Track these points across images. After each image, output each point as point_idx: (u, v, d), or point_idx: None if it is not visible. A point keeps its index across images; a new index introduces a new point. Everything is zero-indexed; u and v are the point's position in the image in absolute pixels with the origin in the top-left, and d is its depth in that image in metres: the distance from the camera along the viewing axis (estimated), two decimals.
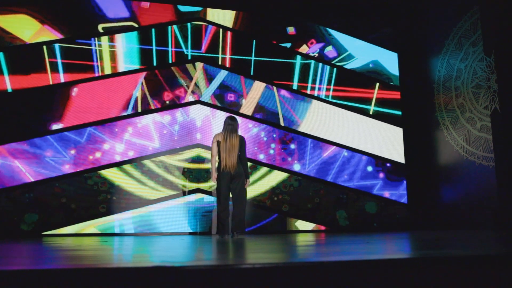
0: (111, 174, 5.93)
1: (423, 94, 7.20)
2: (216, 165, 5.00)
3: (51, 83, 5.92)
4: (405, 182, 6.98)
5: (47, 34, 6.00)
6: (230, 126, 4.98)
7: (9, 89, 5.76)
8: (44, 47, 5.97)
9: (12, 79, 5.78)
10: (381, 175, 6.92)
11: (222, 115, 6.15)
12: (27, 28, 5.94)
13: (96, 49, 6.15)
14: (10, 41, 5.85)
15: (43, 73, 5.91)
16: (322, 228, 6.57)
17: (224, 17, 6.69)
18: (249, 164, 5.84)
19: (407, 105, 7.25)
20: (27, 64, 5.88)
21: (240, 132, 5.11)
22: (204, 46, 6.55)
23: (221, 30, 6.65)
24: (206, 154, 6.25)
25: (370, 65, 7.21)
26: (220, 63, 6.57)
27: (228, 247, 3.40)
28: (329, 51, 7.06)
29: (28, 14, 5.96)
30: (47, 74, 5.92)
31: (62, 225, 5.69)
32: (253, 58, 6.71)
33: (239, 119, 6.40)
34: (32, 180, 5.66)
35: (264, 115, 6.61)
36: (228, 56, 6.62)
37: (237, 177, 4.93)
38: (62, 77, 5.96)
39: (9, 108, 5.74)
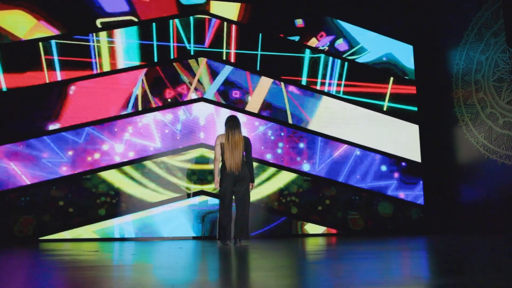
0: (110, 176, 5.68)
1: (440, 89, 6.84)
2: (220, 166, 4.71)
3: (47, 81, 5.68)
4: (421, 182, 6.64)
5: (43, 30, 5.75)
6: (231, 122, 4.72)
7: (4, 88, 5.54)
8: (40, 43, 5.73)
9: (6, 77, 5.56)
10: (396, 175, 6.57)
11: (226, 113, 5.85)
12: (22, 24, 5.70)
13: (94, 45, 5.89)
14: (5, 38, 5.61)
15: (39, 71, 5.68)
16: (333, 231, 6.25)
17: (229, 9, 6.38)
18: (255, 164, 5.55)
19: (424, 101, 6.92)
20: (22, 61, 5.65)
21: (245, 131, 4.81)
22: (207, 41, 6.26)
23: (225, 23, 6.34)
24: (210, 154, 5.95)
25: (384, 59, 6.86)
26: (224, 58, 6.28)
27: (228, 263, 3.11)
28: (340, 44, 6.72)
29: (23, 10, 5.71)
30: (43, 72, 5.69)
31: (60, 229, 5.46)
32: (259, 52, 6.40)
33: (245, 117, 6.13)
34: (28, 182, 5.44)
35: (271, 112, 6.30)
36: (233, 51, 6.32)
37: (241, 179, 4.64)
38: (59, 75, 5.72)
39: (4, 108, 5.53)
